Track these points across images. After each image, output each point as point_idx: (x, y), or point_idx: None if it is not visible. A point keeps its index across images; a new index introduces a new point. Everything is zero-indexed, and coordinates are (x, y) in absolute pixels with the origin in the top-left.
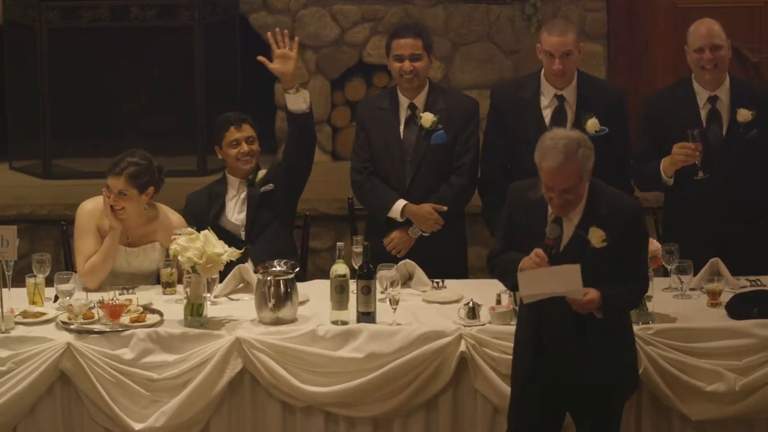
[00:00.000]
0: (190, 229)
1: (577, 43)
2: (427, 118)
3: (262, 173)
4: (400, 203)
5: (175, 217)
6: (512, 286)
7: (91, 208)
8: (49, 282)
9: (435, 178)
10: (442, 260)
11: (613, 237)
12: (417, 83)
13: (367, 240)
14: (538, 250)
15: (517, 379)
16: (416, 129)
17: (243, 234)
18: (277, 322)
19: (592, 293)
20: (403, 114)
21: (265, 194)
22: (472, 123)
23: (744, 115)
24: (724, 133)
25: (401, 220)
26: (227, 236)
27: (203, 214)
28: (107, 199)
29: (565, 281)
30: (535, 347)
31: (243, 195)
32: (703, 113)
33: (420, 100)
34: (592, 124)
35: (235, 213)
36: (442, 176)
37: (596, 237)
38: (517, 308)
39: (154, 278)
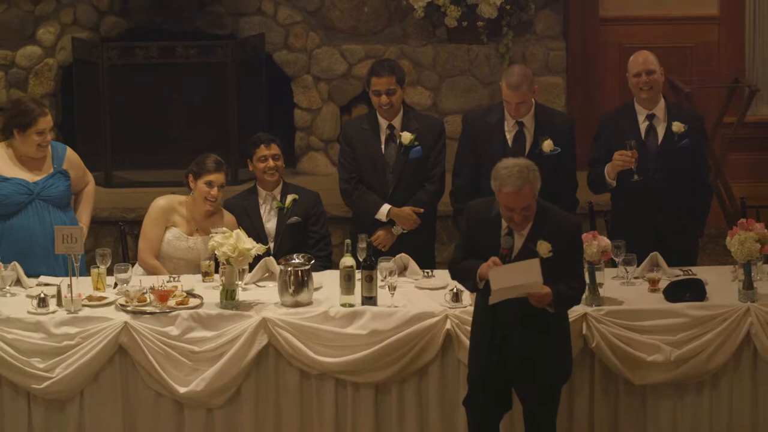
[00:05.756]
0: (224, 228)
1: (531, 89)
2: (406, 137)
3: (290, 199)
4: (386, 207)
5: (229, 217)
6: (472, 287)
7: (164, 204)
8: (109, 272)
9: (412, 185)
10: (416, 251)
11: (557, 249)
12: (393, 111)
13: (352, 237)
14: (495, 258)
15: (473, 372)
16: (395, 146)
17: (272, 247)
18: (296, 304)
19: (547, 288)
20: (383, 133)
21: (290, 225)
22: (440, 140)
23: (678, 126)
24: (659, 142)
25: (385, 221)
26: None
27: (237, 215)
28: (208, 192)
29: (527, 274)
30: (490, 344)
31: (269, 206)
32: (642, 128)
33: (397, 122)
34: (548, 144)
35: (264, 222)
36: (417, 184)
37: (543, 248)
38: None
39: (196, 266)
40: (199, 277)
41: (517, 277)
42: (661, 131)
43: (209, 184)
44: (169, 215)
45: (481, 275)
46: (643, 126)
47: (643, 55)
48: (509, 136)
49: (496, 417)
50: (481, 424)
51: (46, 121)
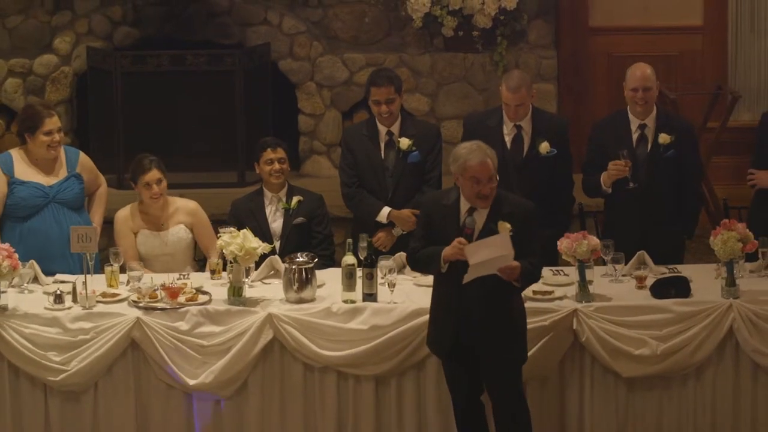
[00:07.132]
0: (232, 228)
1: (530, 92)
2: (404, 142)
3: (296, 200)
4: (386, 209)
5: (191, 204)
6: (437, 272)
7: (125, 214)
8: (122, 270)
9: (410, 188)
10: None
11: (515, 229)
12: (391, 119)
13: (354, 236)
14: (460, 239)
15: (441, 353)
16: (394, 151)
17: (278, 246)
18: (300, 301)
19: (516, 262)
20: (383, 139)
21: (296, 226)
22: (437, 145)
23: (664, 138)
24: (648, 151)
25: (385, 223)
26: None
27: (244, 216)
28: (149, 192)
29: (500, 247)
30: (454, 324)
31: (274, 207)
32: (634, 137)
33: (396, 128)
34: (544, 146)
35: (270, 222)
36: (415, 187)
37: (504, 228)
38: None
39: (187, 258)
40: (208, 274)
41: (491, 251)
42: (651, 141)
43: (147, 186)
44: (132, 221)
45: (445, 258)
46: (635, 135)
47: (640, 69)
48: (508, 139)
49: (475, 391)
50: (462, 399)
51: (53, 122)
